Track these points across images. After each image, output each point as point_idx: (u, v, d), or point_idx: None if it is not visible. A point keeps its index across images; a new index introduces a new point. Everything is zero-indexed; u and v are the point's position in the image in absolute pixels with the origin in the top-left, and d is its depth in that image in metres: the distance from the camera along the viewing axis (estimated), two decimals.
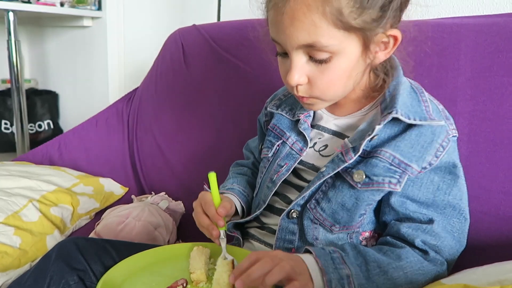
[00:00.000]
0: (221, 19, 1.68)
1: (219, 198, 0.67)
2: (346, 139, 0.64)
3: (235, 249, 0.69)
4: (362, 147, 0.61)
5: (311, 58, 0.59)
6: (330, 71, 0.59)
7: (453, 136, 0.63)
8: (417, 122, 0.61)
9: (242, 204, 0.76)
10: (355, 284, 0.55)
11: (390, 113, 0.60)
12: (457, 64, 0.78)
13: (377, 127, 0.60)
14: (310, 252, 0.59)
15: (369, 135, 0.61)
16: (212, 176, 0.64)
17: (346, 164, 0.62)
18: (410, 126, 0.62)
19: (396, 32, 0.60)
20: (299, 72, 0.59)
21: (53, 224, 0.93)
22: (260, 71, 1.08)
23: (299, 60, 0.59)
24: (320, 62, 0.58)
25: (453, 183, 0.63)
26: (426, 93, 0.66)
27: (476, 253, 0.68)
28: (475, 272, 0.57)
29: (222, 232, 0.66)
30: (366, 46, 0.59)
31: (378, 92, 0.67)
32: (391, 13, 0.58)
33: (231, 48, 1.15)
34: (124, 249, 0.71)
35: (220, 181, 0.85)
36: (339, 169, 0.62)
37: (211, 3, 1.72)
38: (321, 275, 0.56)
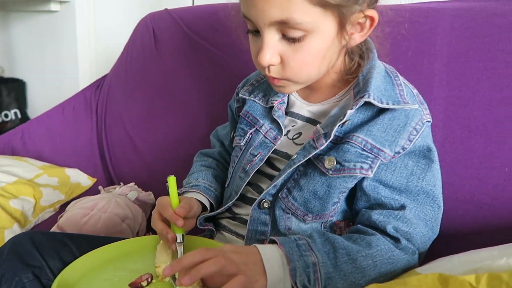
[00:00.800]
0: (195, 3, 1.63)
1: (177, 201, 0.65)
2: (318, 125, 0.62)
3: (206, 241, 0.67)
4: (334, 132, 0.59)
5: (284, 36, 0.56)
6: (303, 50, 0.56)
7: (427, 121, 0.62)
8: (390, 106, 0.59)
9: (211, 201, 0.73)
10: (321, 272, 0.53)
11: (362, 97, 0.58)
12: (434, 49, 0.76)
13: (349, 112, 0.58)
14: (276, 242, 0.56)
15: (341, 120, 0.58)
16: (172, 180, 0.65)
17: (317, 151, 0.60)
18: (383, 110, 0.60)
19: (372, 13, 0.58)
20: (271, 51, 0.56)
21: (13, 218, 0.88)
22: (234, 56, 1.05)
23: (271, 38, 0.56)
24: (294, 40, 0.55)
25: (427, 168, 0.61)
26: (400, 77, 0.64)
27: (451, 241, 0.67)
28: (450, 260, 0.56)
29: (179, 236, 0.62)
30: (341, 25, 0.56)
31: (353, 76, 0.65)
32: None
33: (204, 32, 1.11)
34: (85, 243, 0.66)
35: (188, 171, 0.82)
36: (310, 156, 0.60)
37: None
38: (282, 264, 0.53)
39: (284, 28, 0.55)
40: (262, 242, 0.65)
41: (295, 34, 0.55)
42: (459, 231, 0.69)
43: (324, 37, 0.56)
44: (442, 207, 0.62)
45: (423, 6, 0.80)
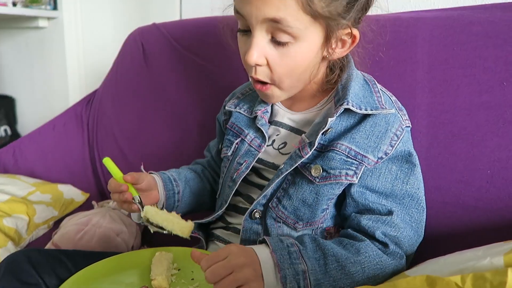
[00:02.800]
0: (183, 17, 1.65)
1: (120, 174, 0.68)
2: (303, 135, 0.64)
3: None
4: (317, 140, 0.61)
5: (273, 39, 0.58)
6: (289, 56, 0.59)
7: (406, 126, 0.65)
8: (369, 112, 0.62)
9: (164, 190, 0.74)
10: (311, 279, 0.55)
11: (341, 104, 0.61)
12: (415, 58, 0.79)
13: (330, 120, 0.61)
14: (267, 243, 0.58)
15: (323, 128, 0.61)
16: (107, 161, 0.69)
17: (303, 159, 0.62)
18: (364, 118, 0.62)
19: (355, 32, 0.61)
20: (260, 51, 0.59)
21: (6, 236, 0.88)
22: (222, 69, 1.07)
23: (262, 39, 0.58)
24: (281, 44, 0.58)
25: (410, 171, 0.64)
26: (378, 85, 0.68)
27: (438, 243, 0.69)
28: (437, 262, 0.58)
29: (136, 197, 0.66)
30: (327, 38, 0.59)
31: (333, 86, 0.67)
32: (355, 11, 0.59)
33: (193, 46, 1.12)
34: (81, 259, 0.67)
35: None
36: (296, 165, 0.62)
37: (172, 1, 1.69)
38: (274, 271, 0.55)
39: (275, 29, 0.57)
40: None
41: (284, 38, 0.57)
42: (445, 232, 0.71)
43: (309, 46, 0.59)
44: (426, 209, 0.65)
45: (403, 16, 0.83)
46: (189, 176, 0.80)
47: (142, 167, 0.76)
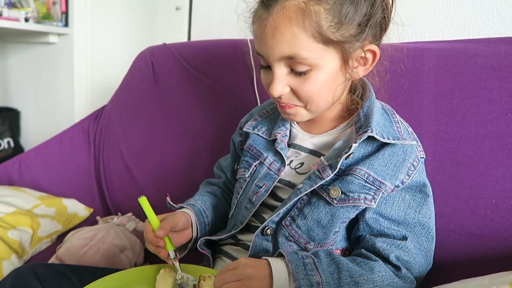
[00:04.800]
0: (192, 39, 1.68)
1: (157, 221, 0.66)
2: (322, 157, 0.65)
3: (202, 269, 0.68)
4: (339, 164, 0.62)
5: (292, 70, 0.61)
6: (310, 82, 0.61)
7: (421, 157, 0.66)
8: (391, 141, 0.63)
9: (197, 225, 0.74)
10: None
11: (365, 131, 0.62)
12: (421, 87, 0.81)
13: (354, 145, 0.62)
14: (283, 256, 0.59)
15: (346, 152, 0.62)
16: (143, 200, 0.65)
17: (323, 181, 0.63)
18: (383, 146, 0.64)
19: (374, 48, 0.63)
20: (281, 83, 0.62)
21: (11, 249, 0.88)
22: (230, 90, 1.09)
23: (281, 72, 0.61)
24: (300, 74, 0.60)
25: (423, 201, 0.65)
26: (397, 115, 0.69)
27: (443, 271, 0.69)
28: None
29: (171, 253, 0.65)
30: (345, 60, 0.61)
31: (352, 113, 0.69)
32: (370, 31, 0.60)
33: (202, 67, 1.15)
34: (86, 275, 0.67)
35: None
36: (316, 186, 0.63)
37: (181, 22, 1.73)
38: (288, 280, 0.56)
39: (292, 62, 0.60)
40: None
41: (302, 68, 0.60)
42: (451, 260, 0.71)
43: (328, 71, 0.61)
44: (435, 238, 0.65)
45: (410, 46, 0.86)
46: (213, 203, 0.81)
47: (168, 199, 0.76)
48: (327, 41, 0.58)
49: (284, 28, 0.57)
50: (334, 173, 0.62)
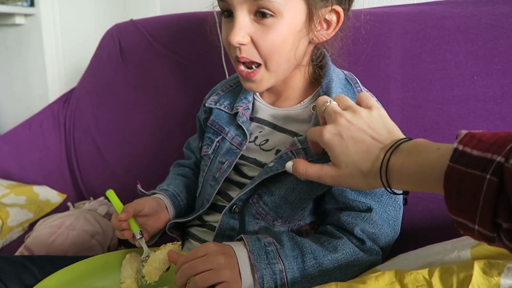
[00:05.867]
0: (163, 12, 1.63)
1: (121, 206, 0.67)
2: (295, 138, 0.63)
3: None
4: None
5: (255, 17, 0.59)
6: (273, 31, 0.59)
7: None
8: None
9: (173, 208, 0.74)
10: (288, 278, 0.55)
11: None
12: (388, 52, 0.79)
13: None
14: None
15: None
16: (111, 193, 0.69)
17: None
18: None
19: (339, 9, 0.61)
20: (242, 30, 0.59)
21: None
22: (200, 65, 1.05)
23: (243, 18, 0.59)
24: (264, 21, 0.58)
25: None
26: (360, 84, 0.67)
27: (411, 237, 0.69)
28: (407, 257, 0.58)
29: (136, 233, 0.65)
30: (310, 16, 0.60)
31: (315, 86, 0.67)
32: None
33: (169, 43, 1.11)
34: (48, 265, 0.66)
35: (158, 183, 0.82)
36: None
37: None
38: (251, 270, 0.55)
39: (256, 7, 0.58)
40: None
41: (265, 14, 0.58)
42: (419, 227, 0.71)
43: (292, 22, 0.59)
44: (402, 207, 0.65)
45: (377, 11, 0.83)
46: (186, 185, 0.80)
47: (139, 186, 0.75)
48: None
49: None
50: (309, 160, 0.60)
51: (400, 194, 0.50)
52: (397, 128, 0.51)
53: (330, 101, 0.53)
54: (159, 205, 0.71)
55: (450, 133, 0.70)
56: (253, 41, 0.60)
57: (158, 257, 0.60)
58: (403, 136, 0.49)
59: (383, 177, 0.46)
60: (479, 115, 0.69)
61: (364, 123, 0.49)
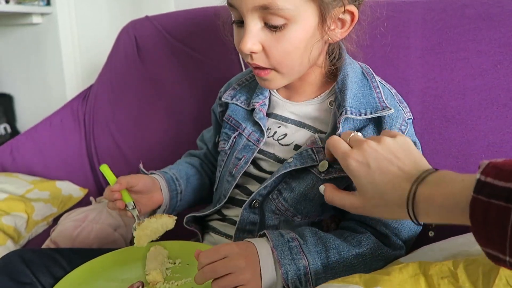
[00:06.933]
0: (177, 8, 1.63)
1: (115, 180, 0.68)
2: (316, 135, 0.63)
3: (193, 244, 0.68)
4: None
5: (266, 25, 0.57)
6: (285, 39, 0.57)
7: (408, 118, 0.64)
8: (368, 116, 0.61)
9: (168, 191, 0.74)
10: (312, 273, 0.55)
11: (342, 113, 0.60)
12: (408, 42, 0.78)
13: (340, 129, 0.60)
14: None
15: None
16: (104, 167, 0.69)
17: (315, 163, 0.61)
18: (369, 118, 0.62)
19: (353, 9, 0.59)
20: (253, 38, 0.57)
21: (6, 234, 0.88)
22: (216, 60, 1.06)
23: (254, 26, 0.57)
24: (275, 29, 0.57)
25: None
26: (377, 78, 0.66)
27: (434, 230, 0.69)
28: (431, 248, 0.58)
29: (128, 204, 0.66)
30: (322, 18, 0.58)
31: (332, 80, 0.67)
32: None
33: (185, 38, 1.11)
34: (76, 257, 0.68)
35: None
36: (307, 165, 0.61)
37: None
38: (275, 267, 0.55)
39: (266, 15, 0.56)
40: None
41: (277, 21, 0.56)
42: None
43: (304, 27, 0.57)
44: None
45: (395, 1, 0.82)
46: (189, 173, 0.80)
47: (141, 166, 0.75)
48: None
49: None
50: (327, 158, 0.60)
51: (429, 226, 0.50)
52: (422, 157, 0.50)
53: (355, 133, 0.54)
54: (153, 185, 0.71)
55: (473, 123, 0.70)
56: (264, 49, 0.59)
57: (152, 225, 0.62)
58: (429, 166, 0.49)
59: (410, 209, 0.46)
60: (502, 104, 0.68)
61: (389, 152, 0.49)
